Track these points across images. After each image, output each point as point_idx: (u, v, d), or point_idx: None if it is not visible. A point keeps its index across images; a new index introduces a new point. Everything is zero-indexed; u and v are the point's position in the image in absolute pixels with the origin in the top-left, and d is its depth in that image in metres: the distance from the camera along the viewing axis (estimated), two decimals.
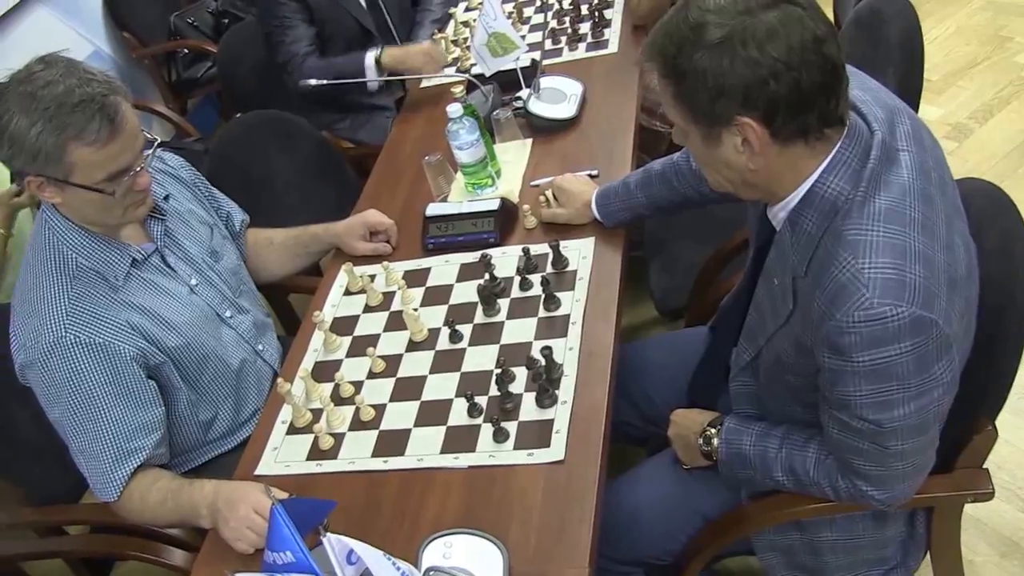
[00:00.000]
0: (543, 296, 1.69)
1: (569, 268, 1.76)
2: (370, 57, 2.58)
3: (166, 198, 1.77)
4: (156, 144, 1.60)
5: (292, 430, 1.65)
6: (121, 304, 1.62)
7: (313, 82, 2.39)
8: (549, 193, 1.90)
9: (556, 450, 1.43)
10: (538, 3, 2.79)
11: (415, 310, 1.75)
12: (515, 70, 2.26)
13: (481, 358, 1.64)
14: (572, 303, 1.68)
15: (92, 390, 1.56)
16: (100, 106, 1.45)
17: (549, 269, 1.77)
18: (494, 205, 1.91)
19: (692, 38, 1.10)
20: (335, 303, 1.91)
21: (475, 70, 2.39)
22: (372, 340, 1.77)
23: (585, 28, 2.57)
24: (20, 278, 1.63)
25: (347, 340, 1.80)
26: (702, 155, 1.23)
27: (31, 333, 1.56)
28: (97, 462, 1.58)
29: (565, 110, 2.18)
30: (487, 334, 1.69)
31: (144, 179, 1.58)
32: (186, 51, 4.12)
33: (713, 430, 1.44)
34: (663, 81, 1.17)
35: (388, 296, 1.86)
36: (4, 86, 1.46)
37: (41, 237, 1.62)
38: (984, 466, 1.39)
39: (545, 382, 1.51)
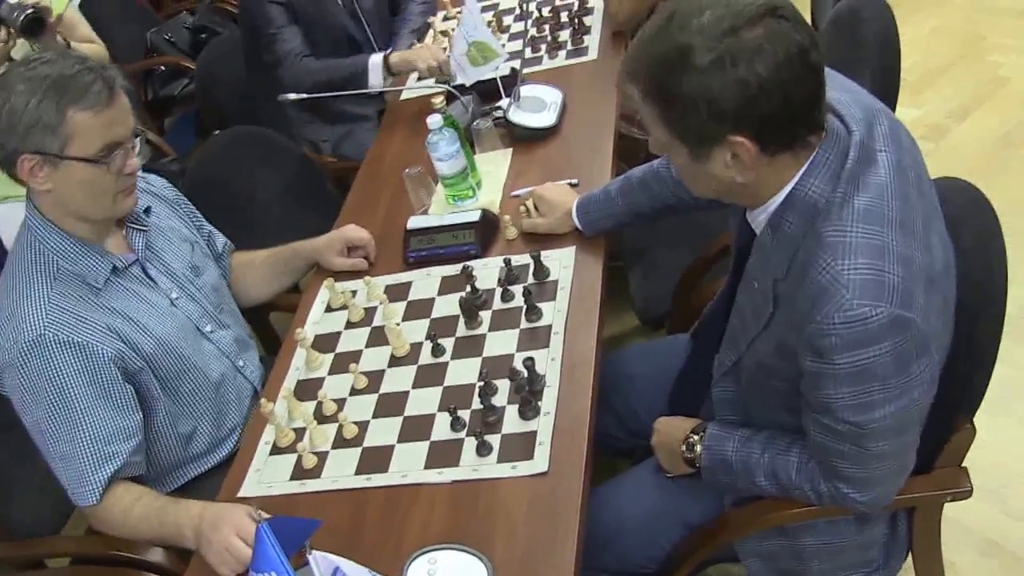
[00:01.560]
0: (525, 307, 1.68)
1: (550, 278, 1.75)
2: (377, 57, 2.56)
3: (147, 211, 1.77)
4: (143, 132, 1.64)
5: (275, 450, 1.64)
6: (101, 307, 1.62)
7: (292, 96, 2.38)
8: (529, 203, 1.90)
9: (540, 462, 1.43)
10: (518, 11, 2.80)
11: (397, 325, 1.74)
12: (495, 79, 2.26)
13: (464, 371, 1.63)
14: (554, 313, 1.67)
15: (71, 390, 1.55)
16: (100, 74, 1.51)
17: (530, 280, 1.76)
18: (475, 217, 1.90)
19: (680, 62, 1.09)
20: (317, 320, 1.89)
21: (455, 80, 2.39)
22: (354, 356, 1.76)
23: (565, 35, 2.58)
24: (1, 280, 1.63)
25: (329, 357, 1.79)
26: (687, 168, 1.22)
27: (10, 335, 1.55)
28: (75, 464, 1.56)
29: (545, 119, 2.18)
30: (469, 347, 1.68)
31: (134, 161, 1.59)
32: (163, 68, 4.09)
33: (696, 437, 1.44)
34: (647, 101, 1.16)
35: (370, 311, 1.85)
36: (5, 71, 1.52)
37: (23, 240, 1.62)
38: (963, 464, 1.39)
39: (528, 394, 1.50)
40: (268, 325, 2.37)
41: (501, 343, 1.66)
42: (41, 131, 1.48)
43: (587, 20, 2.61)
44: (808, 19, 2.63)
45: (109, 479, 1.58)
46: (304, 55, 2.64)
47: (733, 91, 1.07)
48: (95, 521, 1.63)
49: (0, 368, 1.58)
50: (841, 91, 1.23)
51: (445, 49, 2.59)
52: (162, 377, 1.69)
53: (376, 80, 2.56)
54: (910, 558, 1.52)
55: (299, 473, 1.58)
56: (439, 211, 2.04)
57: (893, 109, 1.92)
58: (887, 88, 1.96)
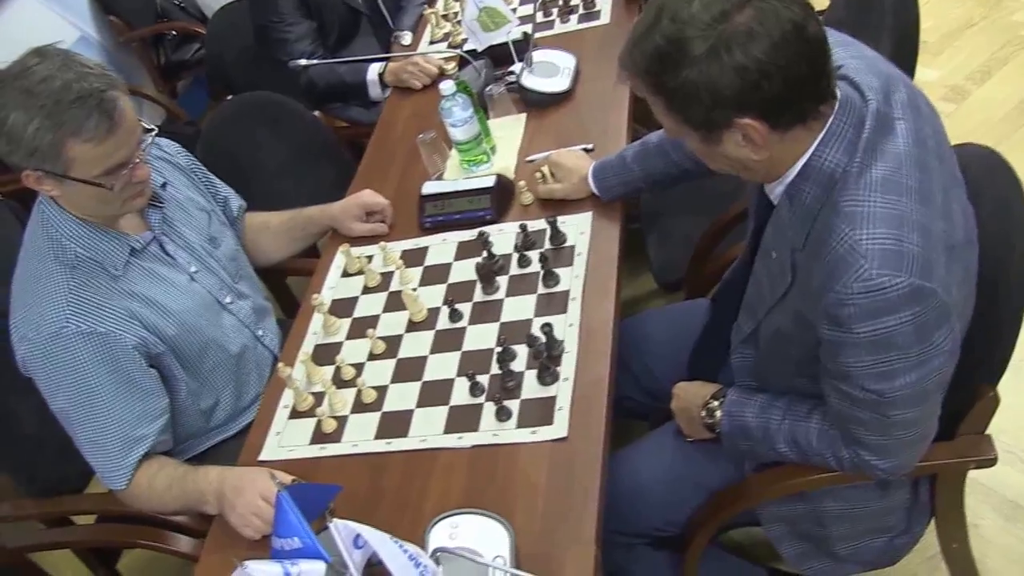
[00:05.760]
0: (542, 273, 1.68)
1: (567, 244, 1.75)
2: (373, 72, 2.58)
3: (163, 186, 1.76)
4: (154, 133, 1.59)
5: (294, 414, 1.65)
6: (121, 293, 1.61)
7: (303, 62, 2.37)
8: (546, 169, 1.89)
9: (559, 427, 1.43)
10: None
11: (414, 290, 1.74)
12: (507, 44, 2.24)
13: (481, 337, 1.64)
14: (571, 279, 1.67)
15: (95, 380, 1.56)
16: (98, 102, 1.43)
17: (547, 245, 1.76)
18: (490, 182, 1.89)
19: (675, 55, 1.08)
20: (333, 285, 1.90)
21: (467, 46, 2.37)
22: (371, 321, 1.76)
23: None
24: (19, 269, 1.62)
25: (346, 322, 1.79)
26: (702, 151, 1.21)
27: (32, 325, 1.55)
28: (104, 452, 1.58)
29: (558, 83, 2.16)
30: (487, 312, 1.68)
31: (142, 171, 1.56)
32: (174, 33, 4.08)
33: (716, 402, 1.44)
34: (652, 97, 1.16)
35: (386, 276, 1.86)
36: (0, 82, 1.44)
37: (38, 227, 1.61)
38: (987, 432, 1.39)
39: (546, 359, 1.51)
40: (286, 288, 2.39)
41: (518, 309, 1.66)
42: (41, 155, 1.44)
43: None
44: None
45: (138, 462, 1.59)
46: (312, 54, 2.62)
47: (732, 77, 1.06)
48: (122, 499, 1.64)
49: (24, 357, 1.58)
50: (858, 59, 1.22)
51: (451, 15, 2.56)
52: (184, 357, 1.69)
53: (376, 93, 2.60)
54: (933, 523, 1.53)
55: (319, 437, 1.59)
56: (453, 176, 2.03)
57: (912, 73, 1.90)
58: (905, 52, 1.92)
